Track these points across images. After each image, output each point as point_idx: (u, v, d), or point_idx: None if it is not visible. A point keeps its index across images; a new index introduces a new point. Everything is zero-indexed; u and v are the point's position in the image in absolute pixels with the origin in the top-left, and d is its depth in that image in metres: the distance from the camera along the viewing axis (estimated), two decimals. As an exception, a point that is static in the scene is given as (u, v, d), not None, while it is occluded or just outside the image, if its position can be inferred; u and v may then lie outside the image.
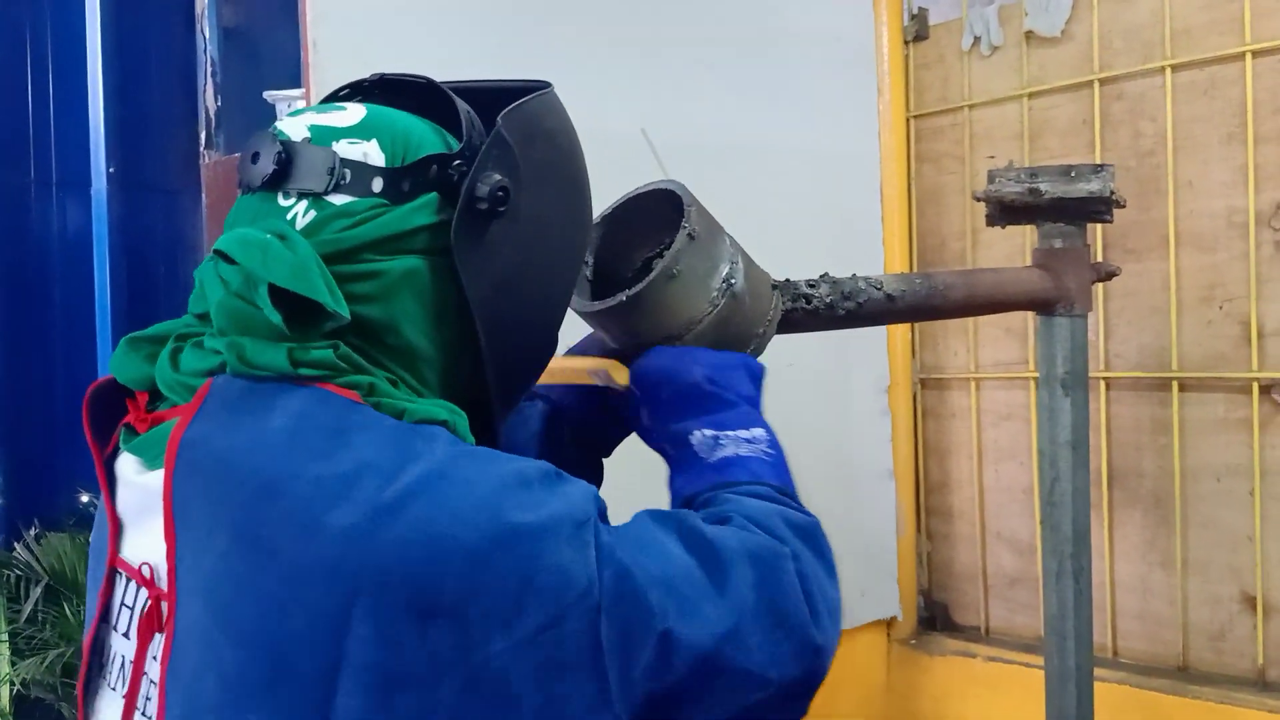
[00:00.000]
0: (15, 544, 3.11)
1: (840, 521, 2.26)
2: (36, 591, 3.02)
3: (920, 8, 2.33)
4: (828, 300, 1.23)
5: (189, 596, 0.72)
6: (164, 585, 0.74)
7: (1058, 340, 1.48)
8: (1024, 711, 2.11)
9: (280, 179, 0.80)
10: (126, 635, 0.79)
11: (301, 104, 2.54)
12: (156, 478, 0.75)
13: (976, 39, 2.23)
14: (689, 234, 1.07)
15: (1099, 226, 1.98)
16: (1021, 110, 2.18)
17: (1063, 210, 1.43)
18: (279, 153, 0.79)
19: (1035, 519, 2.23)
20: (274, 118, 2.66)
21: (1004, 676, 2.24)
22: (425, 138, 0.85)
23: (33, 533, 3.13)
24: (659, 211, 1.15)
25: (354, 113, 0.84)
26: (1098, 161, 2.03)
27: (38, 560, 3.06)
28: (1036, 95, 2.16)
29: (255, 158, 0.81)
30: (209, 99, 2.96)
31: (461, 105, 0.87)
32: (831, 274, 1.28)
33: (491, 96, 0.89)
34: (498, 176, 0.82)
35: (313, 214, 0.79)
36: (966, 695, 2.31)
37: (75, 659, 2.65)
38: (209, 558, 0.71)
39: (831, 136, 2.25)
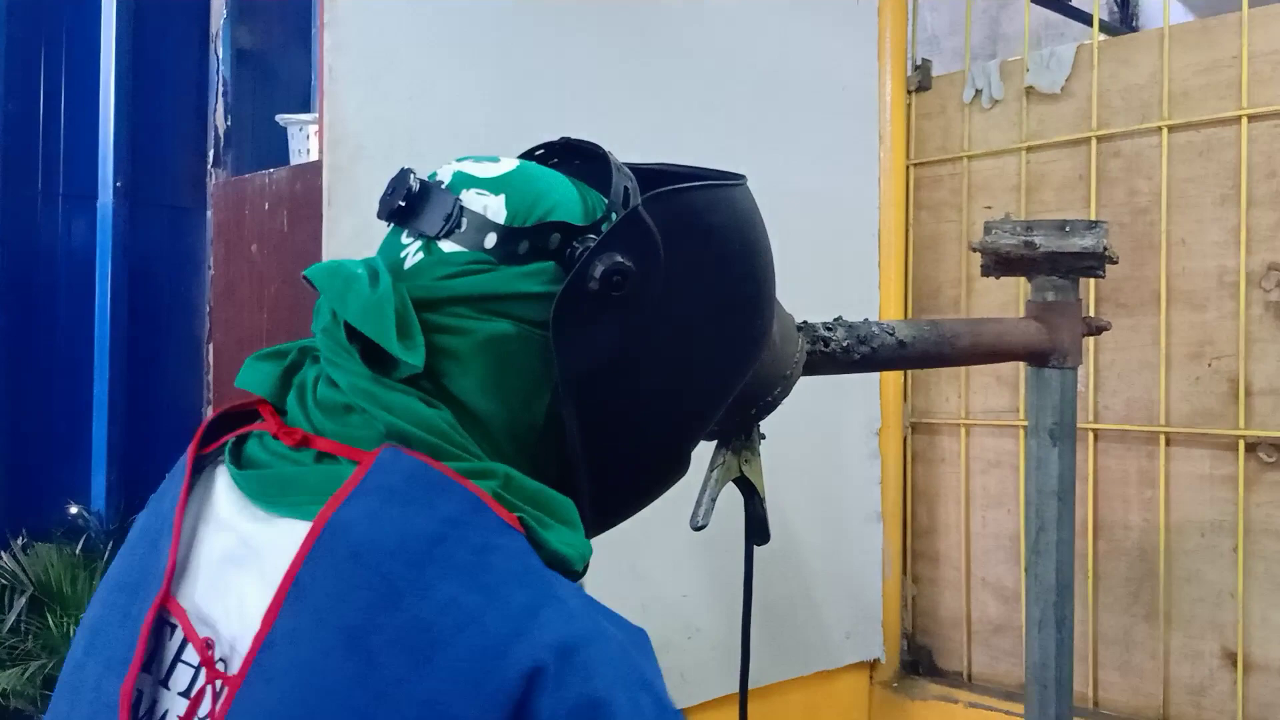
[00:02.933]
0: (2, 553, 3.10)
1: (827, 562, 2.30)
2: (21, 602, 3.01)
3: (924, 59, 2.38)
4: (844, 344, 1.25)
5: (268, 677, 0.65)
6: (233, 668, 0.67)
7: (1048, 391, 1.50)
8: (1005, 760, 2.12)
9: (405, 215, 0.78)
10: (185, 694, 0.69)
11: (313, 129, 2.57)
12: (271, 537, 0.69)
13: (978, 92, 2.27)
14: None
15: (1092, 281, 2.01)
16: (1020, 163, 2.22)
17: (1056, 264, 1.46)
18: (409, 189, 0.77)
19: (1021, 567, 2.25)
20: (284, 140, 2.71)
21: (985, 723, 2.25)
22: (565, 205, 0.79)
23: (20, 542, 3.13)
24: None
25: (504, 165, 0.81)
26: (1093, 217, 2.06)
27: (24, 570, 3.06)
28: (1035, 149, 2.20)
29: (392, 190, 0.79)
30: (219, 118, 2.99)
31: (620, 180, 0.82)
32: (845, 318, 1.30)
33: (681, 182, 0.83)
34: (620, 259, 0.75)
35: (420, 256, 0.76)
36: (947, 741, 2.31)
37: (56, 671, 2.64)
38: (307, 649, 0.64)
39: (832, 181, 2.29)
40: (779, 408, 1.23)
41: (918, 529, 2.45)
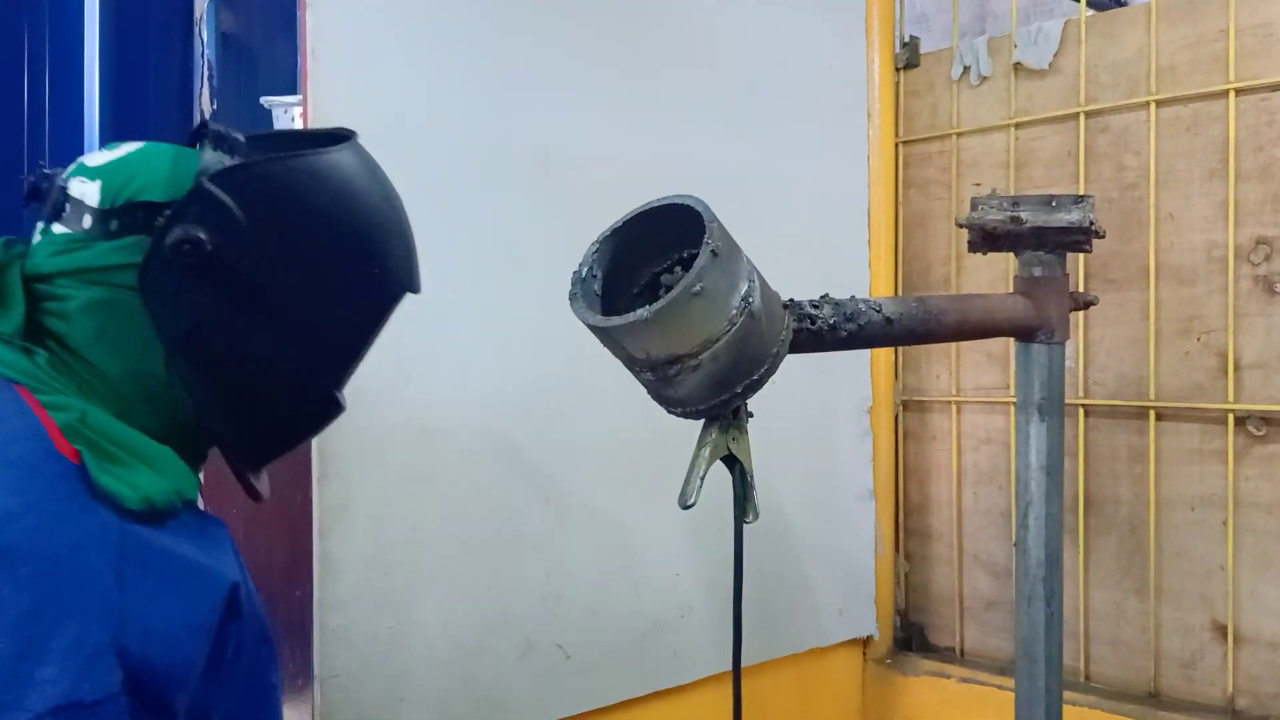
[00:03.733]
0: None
1: (819, 540, 2.31)
2: None
3: (912, 36, 2.37)
4: (830, 322, 1.25)
5: None
6: None
7: (1035, 367, 1.50)
8: (997, 734, 2.13)
9: (29, 204, 0.95)
10: None
11: (298, 111, 2.55)
12: None
13: (966, 69, 2.27)
14: (712, 250, 1.06)
15: (1080, 256, 2.01)
16: (1008, 140, 2.22)
17: (1043, 239, 1.46)
18: (33, 183, 0.95)
19: (1012, 542, 2.26)
20: (269, 123, 2.68)
21: (977, 698, 2.26)
22: (154, 185, 0.93)
23: None
24: (667, 228, 1.15)
25: (119, 151, 0.96)
26: (1081, 192, 2.06)
27: None
28: (1023, 125, 2.20)
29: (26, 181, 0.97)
30: (204, 102, 2.97)
31: (212, 157, 0.93)
32: (831, 295, 1.29)
33: (302, 145, 1.00)
34: (190, 230, 0.89)
35: (39, 238, 0.94)
36: (940, 715, 2.33)
37: None
38: None
39: (821, 160, 2.28)
40: (767, 385, 1.24)
41: (910, 506, 2.46)
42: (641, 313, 1.08)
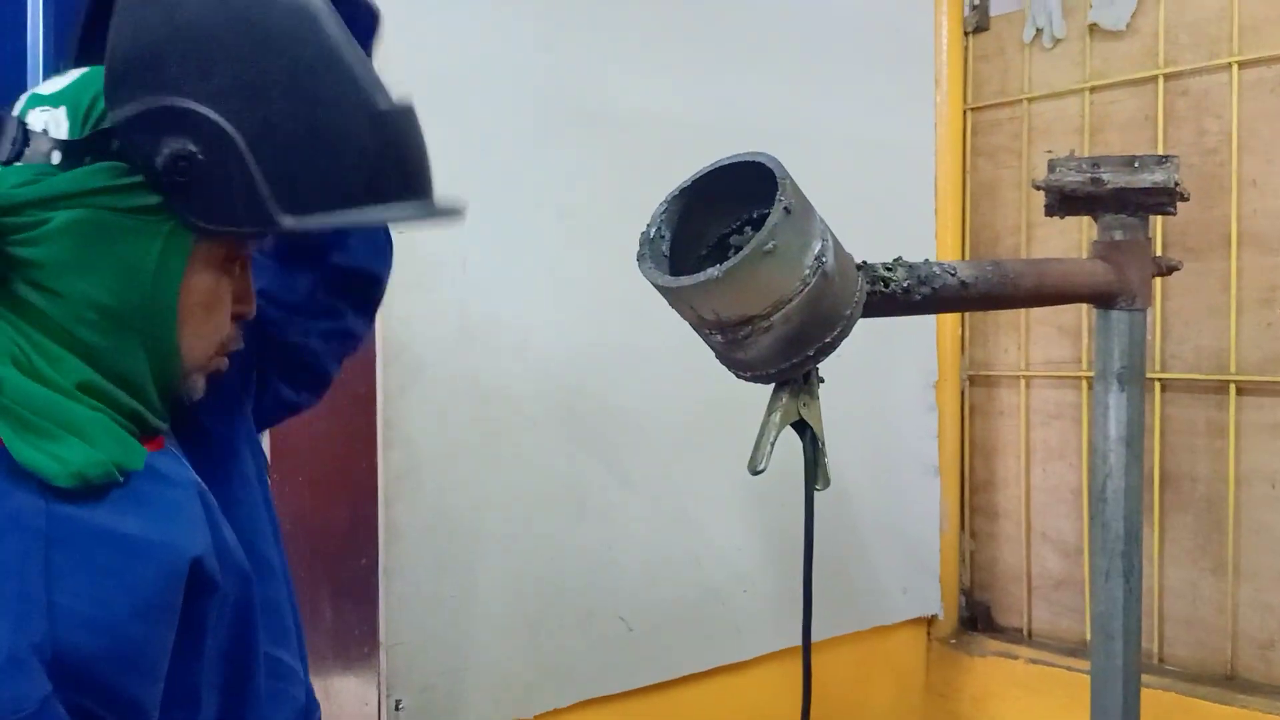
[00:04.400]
0: None
1: (883, 517, 2.27)
2: None
3: (981, -1, 2.31)
4: (905, 284, 1.21)
5: None
6: None
7: (1115, 334, 1.45)
8: (1066, 716, 2.08)
9: None
10: None
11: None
12: None
13: (1039, 31, 2.20)
14: (785, 207, 1.03)
15: (1159, 223, 1.94)
16: (1083, 104, 2.15)
17: (1124, 201, 1.41)
18: None
19: (1083, 520, 2.20)
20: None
21: (1046, 679, 2.21)
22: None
23: None
24: (739, 187, 1.12)
25: (68, 77, 0.89)
26: (1161, 156, 1.99)
27: None
28: (1098, 89, 2.13)
29: None
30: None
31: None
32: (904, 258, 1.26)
33: None
34: (178, 145, 0.82)
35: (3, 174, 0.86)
36: (1006, 697, 2.28)
37: None
38: None
39: (887, 127, 2.23)
40: (833, 357, 1.21)
41: (976, 483, 2.41)
42: (712, 271, 1.05)
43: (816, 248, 1.10)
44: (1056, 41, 2.18)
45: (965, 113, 2.34)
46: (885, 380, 2.29)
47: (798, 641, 1.96)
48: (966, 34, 2.31)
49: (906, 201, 2.30)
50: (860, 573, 2.25)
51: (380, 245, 1.22)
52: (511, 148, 1.71)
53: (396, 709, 1.58)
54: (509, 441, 1.70)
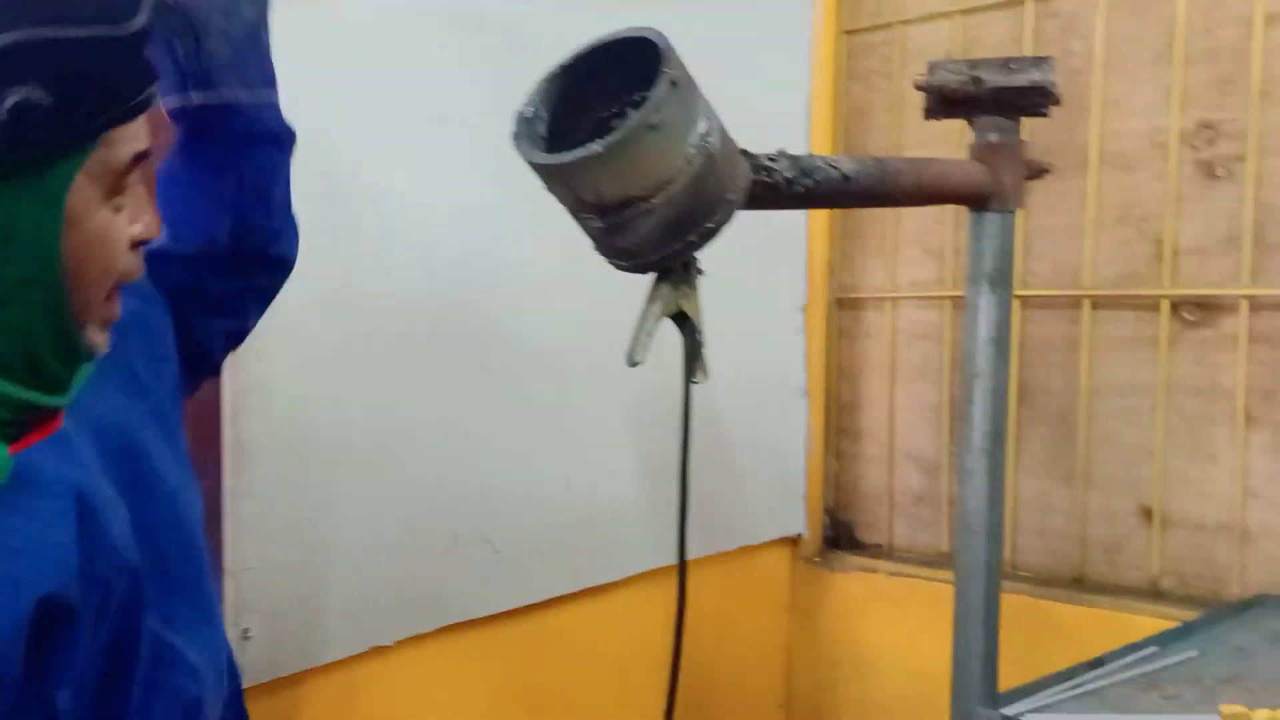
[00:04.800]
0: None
1: (751, 439, 2.27)
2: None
3: (857, -83, 2.29)
4: (787, 175, 1.19)
5: None
6: None
7: (988, 236, 1.47)
8: (926, 624, 2.14)
9: None
10: None
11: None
12: None
13: (913, -50, 2.20)
14: (670, 80, 0.99)
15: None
16: (952, 27, 2.16)
17: (1002, 102, 1.41)
18: None
19: (944, 437, 2.25)
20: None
21: (906, 590, 2.27)
22: None
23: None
24: (622, 70, 1.07)
25: None
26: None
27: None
28: (970, 12, 2.15)
29: None
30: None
31: None
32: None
33: None
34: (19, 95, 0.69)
35: None
36: (869, 610, 2.33)
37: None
38: None
39: (762, 49, 2.20)
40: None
41: (842, 405, 2.44)
42: (594, 146, 1.01)
43: (702, 126, 1.06)
44: (930, -39, 2.19)
45: (839, 35, 2.32)
46: (756, 304, 2.28)
47: (667, 561, 1.95)
48: (842, -48, 2.30)
49: (781, 122, 2.28)
50: (728, 494, 2.26)
51: (295, 229, 1.16)
52: (377, 46, 1.60)
53: (244, 638, 1.48)
54: (373, 355, 1.61)
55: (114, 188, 0.78)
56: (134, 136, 0.78)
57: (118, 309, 0.83)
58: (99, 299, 0.80)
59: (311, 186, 1.50)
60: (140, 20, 0.73)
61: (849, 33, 2.33)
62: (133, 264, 0.83)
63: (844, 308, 2.41)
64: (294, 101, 1.13)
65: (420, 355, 1.68)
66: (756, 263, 2.23)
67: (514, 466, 1.82)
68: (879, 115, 2.31)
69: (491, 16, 1.73)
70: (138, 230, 0.82)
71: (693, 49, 2.09)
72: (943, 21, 2.18)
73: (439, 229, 1.69)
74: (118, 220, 0.80)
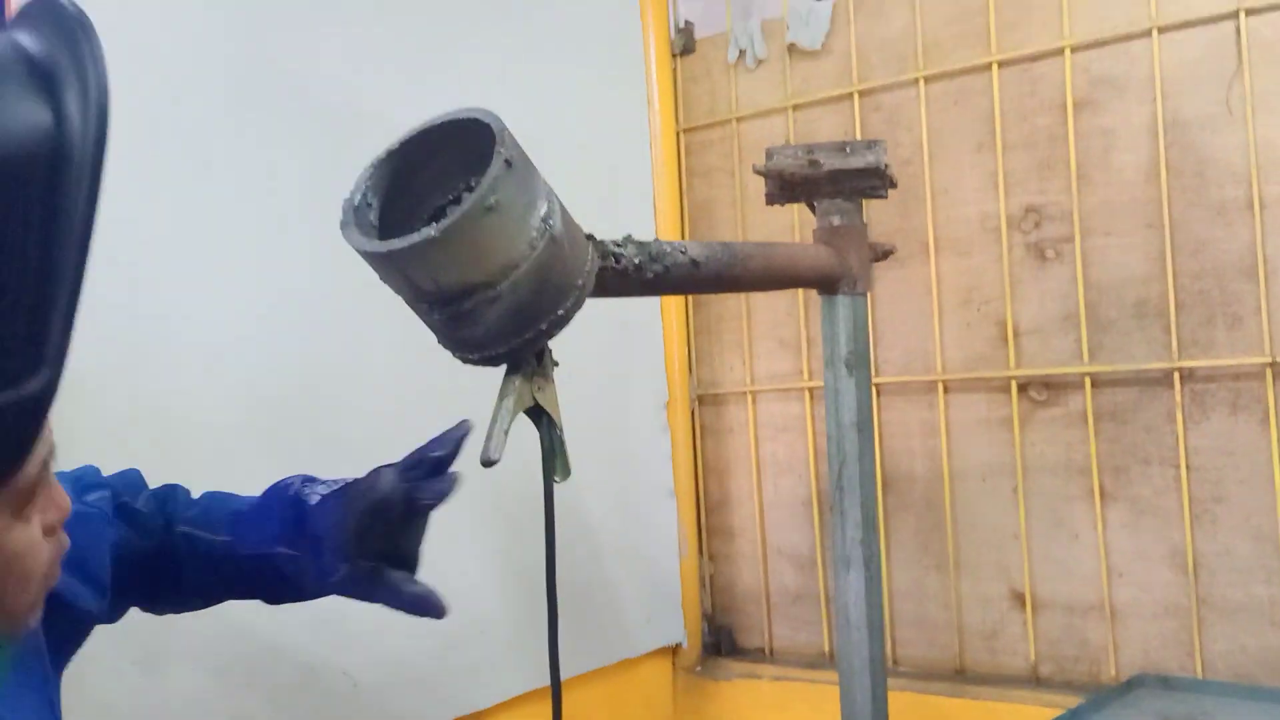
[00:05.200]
0: None
1: (623, 545, 2.19)
2: None
3: (687, 21, 2.35)
4: (636, 261, 1.16)
5: None
6: None
7: (841, 319, 1.46)
8: (813, 727, 2.07)
9: None
10: None
11: None
12: None
13: (742, 52, 2.26)
14: (506, 160, 0.95)
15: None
16: (787, 122, 2.22)
17: (840, 184, 1.42)
18: None
19: (816, 530, 2.22)
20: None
21: (791, 695, 2.19)
22: None
23: None
24: (455, 154, 1.03)
25: None
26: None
27: None
28: (801, 107, 2.20)
29: None
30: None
31: None
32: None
33: None
34: None
35: None
36: (755, 718, 2.25)
37: None
38: None
39: (607, 145, 2.21)
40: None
41: (711, 503, 2.39)
42: (429, 230, 0.95)
43: (543, 209, 1.02)
44: (759, 62, 2.25)
45: (678, 134, 2.36)
46: (617, 402, 2.23)
47: (540, 684, 1.82)
48: (674, 56, 2.34)
49: (629, 219, 2.27)
50: (603, 604, 2.16)
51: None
52: (199, 124, 1.52)
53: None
54: (201, 472, 1.48)
55: (23, 502, 0.77)
56: (38, 452, 0.76)
57: (40, 612, 0.83)
58: (22, 609, 0.80)
59: (118, 289, 1.41)
60: (38, 383, 0.68)
61: (686, 131, 2.37)
62: (51, 563, 0.82)
63: (705, 404, 2.38)
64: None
65: (255, 469, 1.54)
66: (614, 361, 2.19)
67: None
68: (723, 210, 2.33)
69: (311, 104, 1.68)
70: (51, 517, 0.81)
71: (546, 140, 2.08)
72: (776, 116, 2.24)
73: (265, 326, 1.59)
74: (30, 528, 0.78)
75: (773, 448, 2.30)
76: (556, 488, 1.12)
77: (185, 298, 1.49)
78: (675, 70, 2.34)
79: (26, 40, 0.69)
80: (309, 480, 1.16)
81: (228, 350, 1.54)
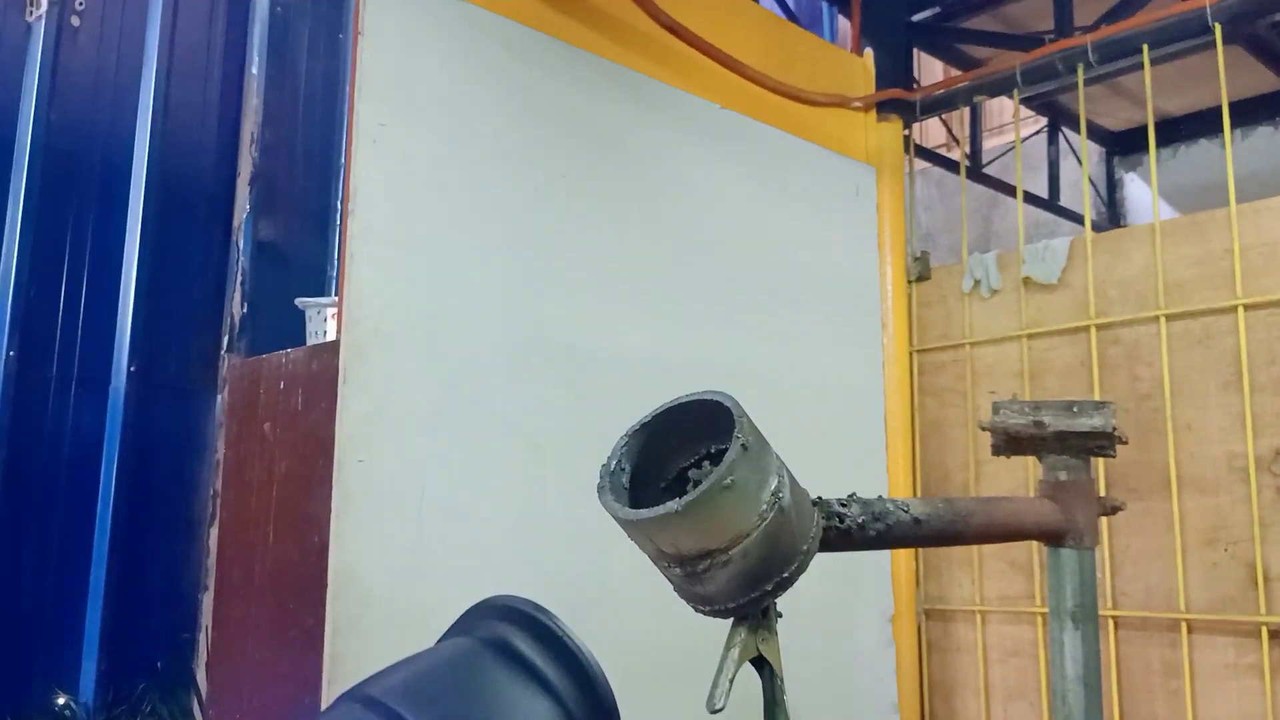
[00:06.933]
0: (-20, 745, 2.95)
1: (844, 759, 2.19)
2: (-6, 799, 2.85)
3: (923, 251, 2.46)
4: (859, 520, 1.23)
5: None
6: None
7: (1066, 572, 1.47)
8: None
9: None
10: None
11: (331, 311, 2.63)
12: None
13: (976, 282, 2.34)
14: (742, 444, 1.06)
15: (1101, 463, 2.01)
16: (1021, 349, 2.26)
17: (1066, 443, 1.46)
18: None
19: (1046, 765, 2.15)
20: (300, 325, 2.76)
21: None
22: None
23: (-1, 734, 2.98)
24: (695, 424, 1.16)
25: None
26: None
27: (0, 764, 2.90)
28: (1035, 336, 2.25)
29: None
30: (235, 305, 3.07)
31: None
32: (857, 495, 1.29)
33: None
34: None
35: None
36: None
37: None
38: None
39: (839, 368, 2.32)
40: (790, 592, 1.21)
41: (936, 724, 2.35)
42: (672, 505, 1.07)
43: (773, 484, 1.13)
44: (994, 292, 2.32)
45: (911, 354, 2.44)
46: (844, 616, 2.27)
47: None
48: (910, 282, 2.45)
49: (859, 437, 2.36)
50: (820, 821, 2.16)
51: None
52: (483, 384, 1.75)
53: None
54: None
55: None
56: None
57: None
58: None
59: (405, 510, 1.62)
60: None
61: (920, 351, 2.45)
62: None
63: (932, 618, 2.38)
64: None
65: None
66: (842, 574, 2.24)
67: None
68: (954, 430, 2.37)
69: (580, 352, 1.89)
70: None
71: (779, 370, 2.21)
72: (1009, 344, 2.29)
73: (528, 548, 1.76)
74: None
75: (1002, 671, 2.26)
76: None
77: (459, 524, 1.69)
78: (910, 296, 2.45)
79: None
80: None
81: (490, 568, 1.71)
